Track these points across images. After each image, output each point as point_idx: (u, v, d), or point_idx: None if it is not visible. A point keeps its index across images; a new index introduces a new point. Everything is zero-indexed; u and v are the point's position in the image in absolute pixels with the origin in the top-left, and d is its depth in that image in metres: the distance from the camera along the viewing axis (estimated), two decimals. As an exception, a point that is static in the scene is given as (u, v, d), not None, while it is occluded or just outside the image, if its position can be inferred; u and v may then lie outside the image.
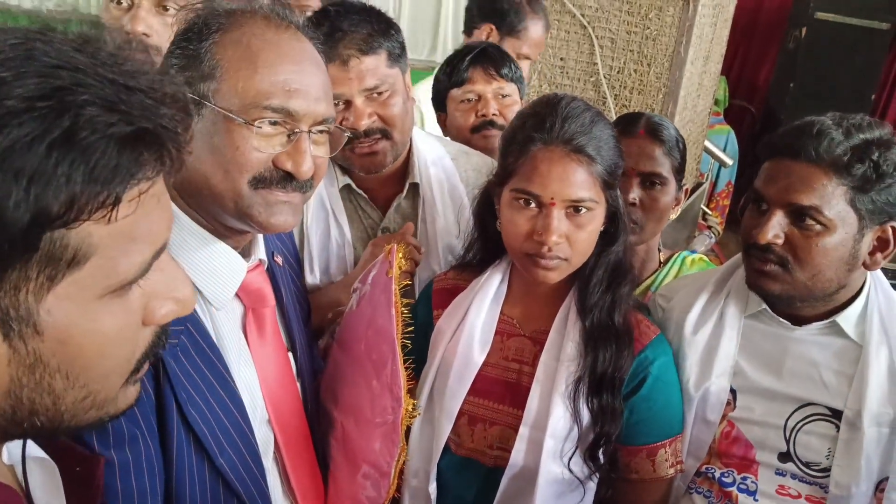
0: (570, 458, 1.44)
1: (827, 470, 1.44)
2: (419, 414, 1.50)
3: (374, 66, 1.65)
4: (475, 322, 1.52)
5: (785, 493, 1.48)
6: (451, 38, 9.79)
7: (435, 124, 2.49)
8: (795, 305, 1.47)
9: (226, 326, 1.25)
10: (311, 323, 1.62)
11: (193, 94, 1.14)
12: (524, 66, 2.87)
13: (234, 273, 1.25)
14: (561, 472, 1.44)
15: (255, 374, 1.30)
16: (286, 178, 1.18)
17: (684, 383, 1.54)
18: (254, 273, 1.31)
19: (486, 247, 1.60)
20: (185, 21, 1.21)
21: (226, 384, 1.22)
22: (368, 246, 1.78)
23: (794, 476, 1.48)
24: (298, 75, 1.16)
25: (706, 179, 5.03)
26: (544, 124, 1.39)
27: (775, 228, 1.41)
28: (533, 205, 1.40)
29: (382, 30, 1.68)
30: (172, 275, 0.75)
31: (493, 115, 2.24)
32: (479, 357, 1.50)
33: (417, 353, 1.47)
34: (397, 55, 1.71)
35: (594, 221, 1.42)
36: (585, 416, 1.43)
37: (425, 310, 1.62)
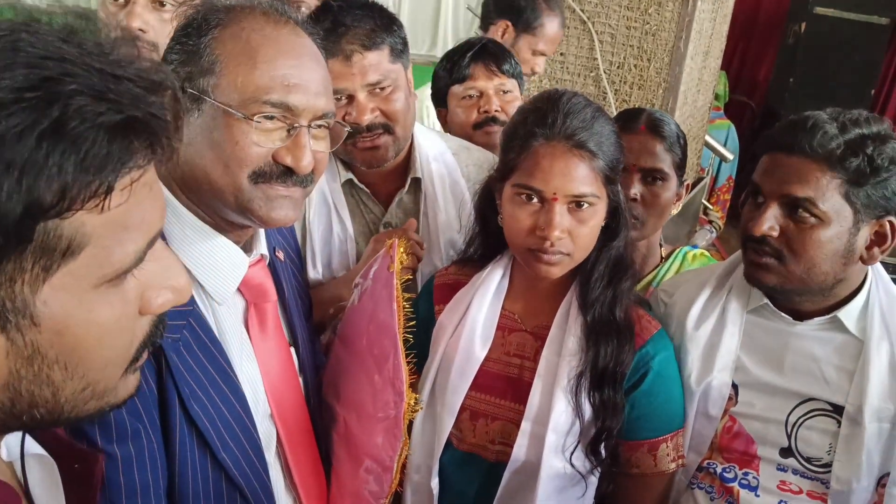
0: (572, 453, 1.44)
1: (828, 465, 1.44)
2: (421, 408, 1.50)
3: (376, 62, 1.65)
4: (477, 317, 1.52)
5: (786, 489, 1.48)
6: (450, 33, 9.79)
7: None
8: (794, 299, 1.48)
9: (228, 321, 1.26)
10: (313, 318, 1.62)
11: (193, 90, 1.15)
12: (539, 62, 2.88)
13: (236, 267, 1.25)
14: (563, 466, 1.44)
15: (258, 369, 1.30)
16: (286, 173, 1.18)
17: (686, 378, 1.54)
18: (255, 268, 1.31)
19: (487, 242, 1.60)
20: (184, 17, 1.21)
21: (228, 379, 1.22)
22: (371, 242, 1.78)
23: (795, 471, 1.48)
24: (297, 70, 1.16)
25: (707, 174, 5.04)
26: (546, 120, 1.40)
27: (770, 221, 1.42)
28: (535, 200, 1.40)
29: (385, 25, 1.68)
30: (167, 264, 0.75)
31: (496, 111, 2.24)
32: (480, 352, 1.50)
33: (419, 348, 1.47)
34: (400, 50, 1.71)
35: (596, 216, 1.42)
36: (587, 410, 1.44)
37: (427, 305, 1.62)
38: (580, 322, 1.47)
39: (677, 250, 1.99)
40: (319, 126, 1.22)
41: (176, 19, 1.23)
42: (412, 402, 1.38)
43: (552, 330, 1.49)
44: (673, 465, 1.51)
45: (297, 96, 1.15)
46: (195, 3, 1.21)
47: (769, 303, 1.51)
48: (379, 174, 1.82)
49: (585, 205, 1.39)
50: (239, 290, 1.28)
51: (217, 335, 1.22)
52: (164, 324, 0.78)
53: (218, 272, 1.22)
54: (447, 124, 2.39)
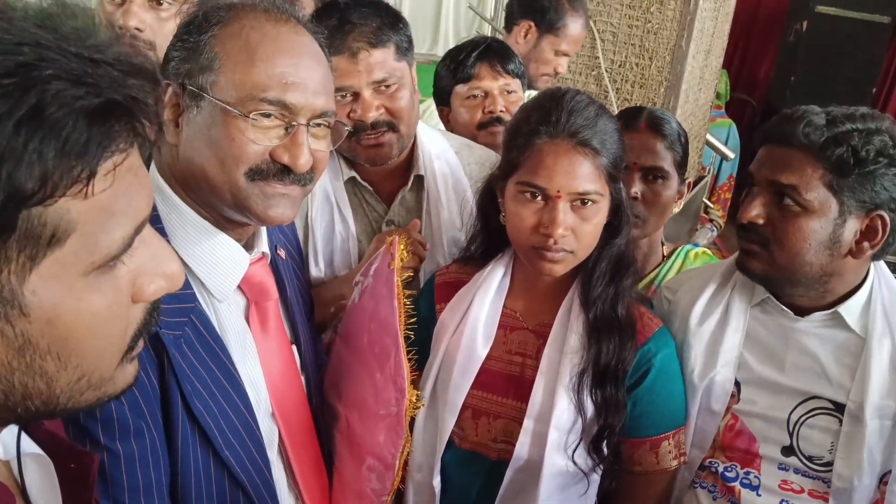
0: (575, 451, 1.44)
1: (830, 464, 1.44)
2: (423, 405, 1.50)
3: (382, 59, 1.66)
4: (478, 316, 1.52)
5: (787, 488, 1.48)
6: (451, 31, 9.78)
7: None
8: (787, 292, 1.49)
9: (229, 319, 1.26)
10: (315, 317, 1.62)
11: (192, 87, 1.15)
12: (563, 62, 2.88)
13: (237, 265, 1.26)
14: (565, 464, 1.44)
15: (259, 367, 1.30)
16: (284, 171, 1.18)
17: (688, 374, 1.54)
18: (256, 266, 1.31)
19: (488, 240, 1.60)
20: (186, 14, 1.21)
21: (230, 376, 1.22)
22: (373, 241, 1.78)
23: (797, 471, 1.48)
24: (296, 69, 1.16)
25: (708, 173, 5.03)
26: (550, 118, 1.40)
27: (757, 208, 1.44)
28: (539, 198, 1.40)
29: (391, 23, 1.68)
30: (158, 250, 0.74)
31: (500, 111, 2.23)
32: (482, 351, 1.50)
33: (420, 347, 1.47)
34: (405, 49, 1.72)
35: (599, 214, 1.42)
36: (589, 408, 1.44)
37: (428, 304, 1.62)
38: (582, 320, 1.47)
39: (679, 249, 1.99)
40: (319, 125, 1.22)
41: (179, 16, 1.23)
42: (414, 400, 1.39)
43: (554, 327, 1.49)
44: (675, 463, 1.51)
45: (295, 94, 1.15)
46: (197, 0, 1.21)
47: (771, 297, 1.52)
48: (382, 172, 1.82)
49: (589, 202, 1.39)
50: (240, 288, 1.28)
51: (219, 332, 1.22)
52: (159, 311, 0.77)
53: (219, 269, 1.23)
54: (449, 123, 2.39)
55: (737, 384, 1.53)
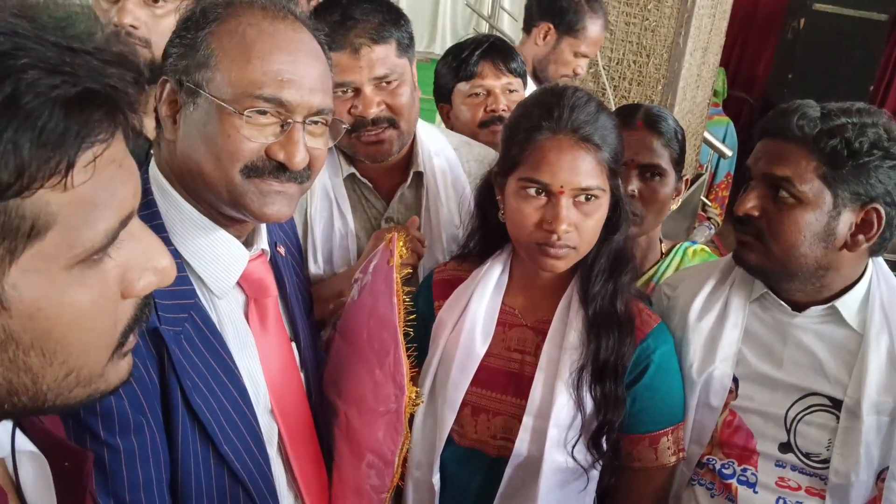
0: (574, 447, 1.44)
1: (827, 461, 1.44)
2: (422, 402, 1.50)
3: (384, 56, 1.66)
4: (477, 313, 1.52)
5: (784, 485, 1.49)
6: (449, 29, 9.79)
7: None
8: (784, 286, 1.49)
9: (229, 315, 1.26)
10: (314, 315, 1.62)
11: (189, 83, 1.15)
12: (582, 63, 2.88)
13: (236, 261, 1.26)
14: (565, 460, 1.44)
15: (259, 364, 1.30)
16: (280, 168, 1.18)
17: (687, 369, 1.55)
18: (256, 262, 1.31)
19: (486, 237, 1.60)
20: (185, 10, 1.22)
21: (229, 372, 1.22)
22: (372, 238, 1.79)
23: (794, 468, 1.48)
24: (292, 66, 1.16)
25: (705, 171, 5.04)
26: (552, 113, 1.40)
27: (753, 201, 1.46)
28: (541, 194, 1.40)
29: (393, 20, 1.68)
30: (148, 244, 0.73)
31: (503, 110, 2.23)
32: (481, 348, 1.50)
33: (418, 344, 1.47)
34: (406, 45, 1.72)
35: (601, 209, 1.43)
36: (588, 404, 1.44)
37: (426, 301, 1.62)
38: (581, 316, 1.47)
39: (677, 246, 1.99)
40: (315, 122, 1.21)
41: (177, 13, 1.24)
42: (413, 396, 1.39)
43: (553, 324, 1.49)
44: (673, 459, 1.51)
45: (291, 92, 1.15)
46: None
47: (769, 292, 1.52)
48: (381, 169, 1.82)
49: (591, 198, 1.40)
50: (239, 284, 1.28)
51: (218, 329, 1.22)
52: (151, 307, 0.77)
53: (218, 265, 1.23)
54: (449, 120, 2.39)
55: (735, 380, 1.54)
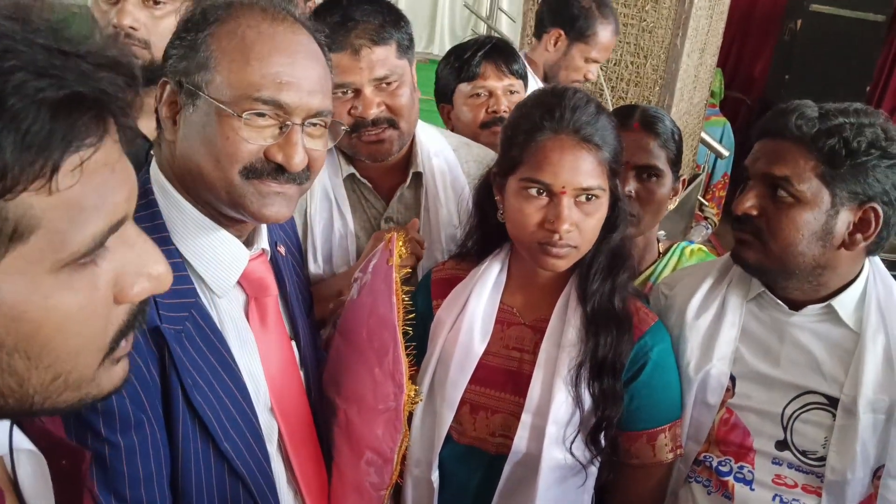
0: (572, 443, 1.45)
1: (823, 459, 1.45)
2: (421, 400, 1.51)
3: (384, 57, 1.67)
4: (475, 312, 1.52)
5: (781, 483, 1.49)
6: (447, 30, 9.79)
7: None
8: (782, 284, 1.50)
9: (229, 314, 1.27)
10: (314, 314, 1.63)
11: (189, 84, 1.16)
12: (593, 69, 2.88)
13: (236, 260, 1.27)
14: (563, 457, 1.45)
15: (259, 363, 1.31)
16: (278, 170, 1.18)
17: (684, 367, 1.55)
18: (256, 262, 1.31)
19: (484, 237, 1.61)
20: (186, 11, 1.22)
21: (230, 370, 1.23)
22: (371, 238, 1.79)
23: (790, 465, 1.49)
24: (291, 68, 1.16)
25: (703, 171, 5.05)
26: (554, 114, 1.41)
27: (751, 200, 1.46)
28: (543, 194, 1.41)
29: (393, 21, 1.69)
30: (143, 250, 0.72)
31: (504, 111, 2.24)
32: (479, 346, 1.51)
33: (417, 343, 1.47)
34: (406, 46, 1.73)
35: (602, 209, 1.44)
36: (587, 400, 1.45)
37: (424, 300, 1.62)
38: (579, 313, 1.48)
39: (675, 245, 2.00)
40: (314, 124, 1.22)
41: (177, 14, 1.24)
42: (412, 394, 1.40)
43: (551, 322, 1.50)
44: (671, 455, 1.52)
45: (290, 94, 1.16)
46: None
47: (767, 291, 1.53)
48: (381, 169, 1.83)
49: (592, 198, 1.41)
50: (240, 283, 1.29)
51: (219, 327, 1.23)
52: (146, 313, 0.75)
53: (218, 264, 1.23)
54: (450, 121, 2.39)
55: (732, 378, 1.54)
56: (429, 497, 1.54)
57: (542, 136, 1.41)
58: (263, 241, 1.34)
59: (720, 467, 1.55)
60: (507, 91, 2.28)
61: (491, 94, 2.27)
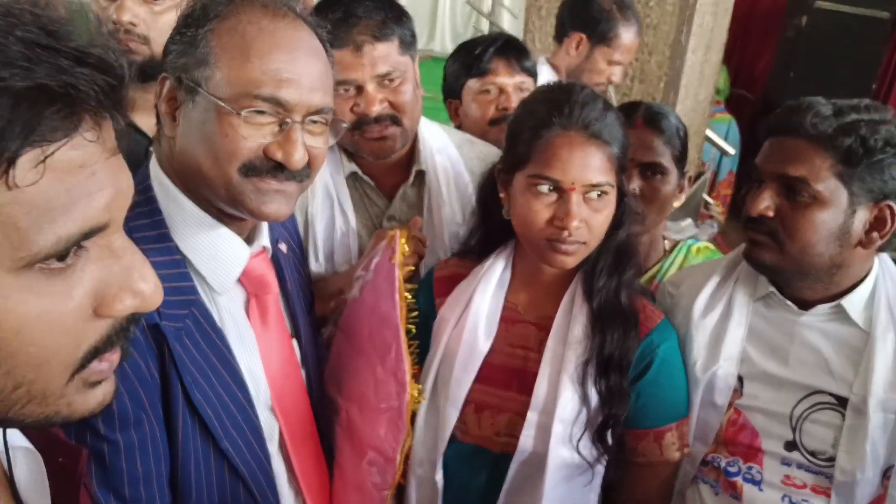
0: (579, 442, 1.44)
1: (832, 459, 1.44)
2: (424, 399, 1.50)
3: (386, 53, 1.65)
4: (479, 310, 1.51)
5: (790, 483, 1.48)
6: (448, 26, 9.79)
7: None
8: (795, 285, 1.48)
9: (229, 312, 1.26)
10: (315, 312, 1.62)
11: (188, 81, 1.15)
12: (616, 71, 2.86)
13: (237, 258, 1.26)
14: (570, 455, 1.44)
15: (259, 361, 1.30)
16: (278, 168, 1.17)
17: (691, 366, 1.54)
18: (257, 259, 1.31)
19: (488, 234, 1.59)
20: (187, 7, 1.21)
21: (230, 368, 1.22)
22: (373, 236, 1.78)
23: (799, 466, 1.47)
24: (291, 65, 1.15)
25: (708, 169, 5.03)
26: (562, 110, 1.40)
27: (766, 201, 1.44)
28: (552, 190, 1.39)
29: (396, 17, 1.68)
30: (131, 263, 0.68)
31: (514, 108, 2.23)
32: (484, 345, 1.50)
33: (419, 341, 1.47)
34: (409, 43, 1.72)
35: (610, 205, 1.43)
36: (594, 398, 1.44)
37: (427, 298, 1.61)
38: (585, 310, 1.47)
39: (681, 243, 1.98)
40: (315, 122, 1.21)
41: (177, 10, 1.23)
42: (416, 393, 1.39)
43: (557, 319, 1.49)
44: (678, 454, 1.51)
45: (290, 91, 1.14)
46: None
47: (775, 291, 1.51)
48: (383, 166, 1.82)
49: (601, 194, 1.40)
50: (240, 281, 1.28)
51: (219, 325, 1.22)
52: (129, 332, 0.71)
53: (218, 262, 1.23)
54: (457, 117, 2.38)
55: (739, 379, 1.53)
56: (433, 497, 1.53)
57: (550, 133, 1.39)
58: (264, 239, 1.33)
59: (728, 468, 1.53)
60: (518, 88, 2.27)
61: (501, 90, 2.26)
